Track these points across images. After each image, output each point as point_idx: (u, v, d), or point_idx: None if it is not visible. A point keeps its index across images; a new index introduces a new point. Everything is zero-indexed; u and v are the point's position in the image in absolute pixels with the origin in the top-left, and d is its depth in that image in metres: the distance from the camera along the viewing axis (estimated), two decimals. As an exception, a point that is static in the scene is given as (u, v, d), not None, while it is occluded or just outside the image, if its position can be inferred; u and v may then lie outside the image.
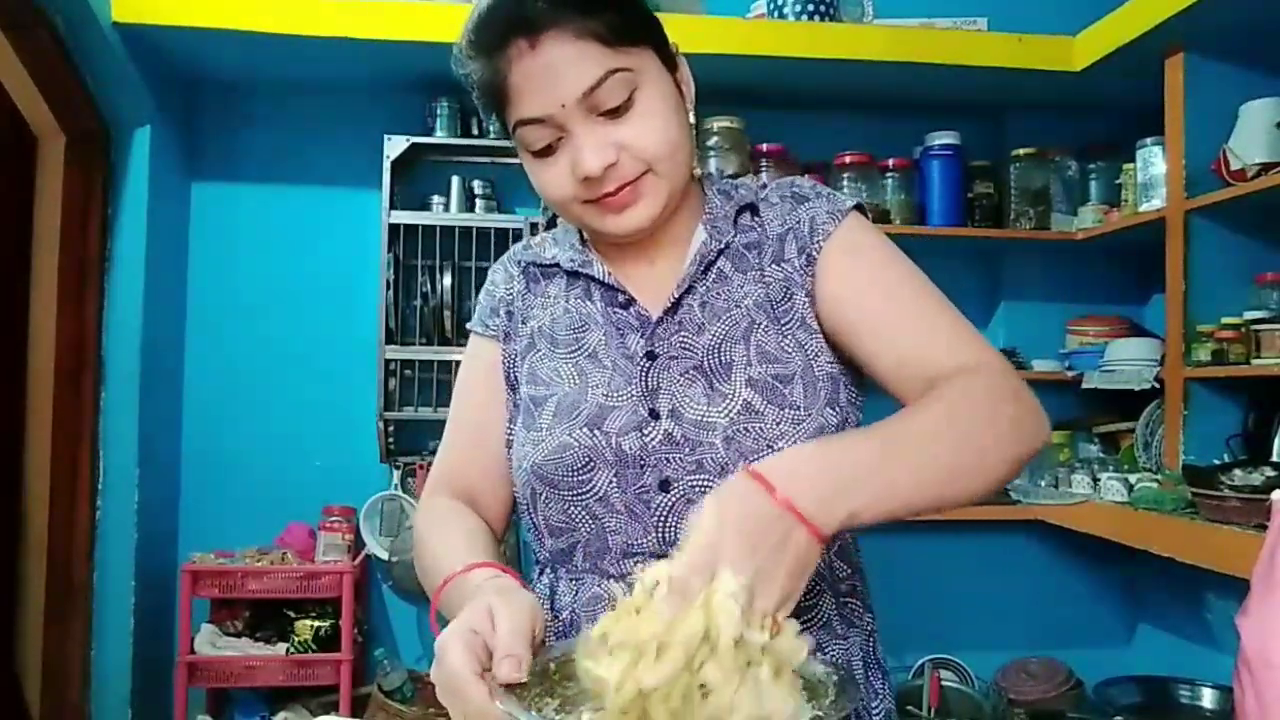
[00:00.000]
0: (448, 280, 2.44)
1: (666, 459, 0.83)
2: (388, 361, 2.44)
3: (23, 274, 2.28)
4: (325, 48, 2.24)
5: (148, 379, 2.36)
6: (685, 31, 2.24)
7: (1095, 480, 2.29)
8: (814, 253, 0.88)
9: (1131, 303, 2.73)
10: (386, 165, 2.43)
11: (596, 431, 0.85)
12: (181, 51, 2.31)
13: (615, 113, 0.81)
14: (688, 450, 0.83)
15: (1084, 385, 2.42)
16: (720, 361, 0.86)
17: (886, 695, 0.91)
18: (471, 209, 2.53)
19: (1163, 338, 2.26)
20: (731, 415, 0.82)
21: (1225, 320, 2.03)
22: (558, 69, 0.79)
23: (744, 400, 0.83)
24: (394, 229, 2.44)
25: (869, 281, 0.86)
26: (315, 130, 2.61)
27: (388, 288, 2.42)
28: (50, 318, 2.27)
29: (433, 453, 2.51)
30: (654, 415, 0.84)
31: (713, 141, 2.36)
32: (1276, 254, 2.13)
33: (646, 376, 0.86)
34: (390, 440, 2.51)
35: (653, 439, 0.84)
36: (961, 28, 2.48)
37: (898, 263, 0.87)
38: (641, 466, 0.83)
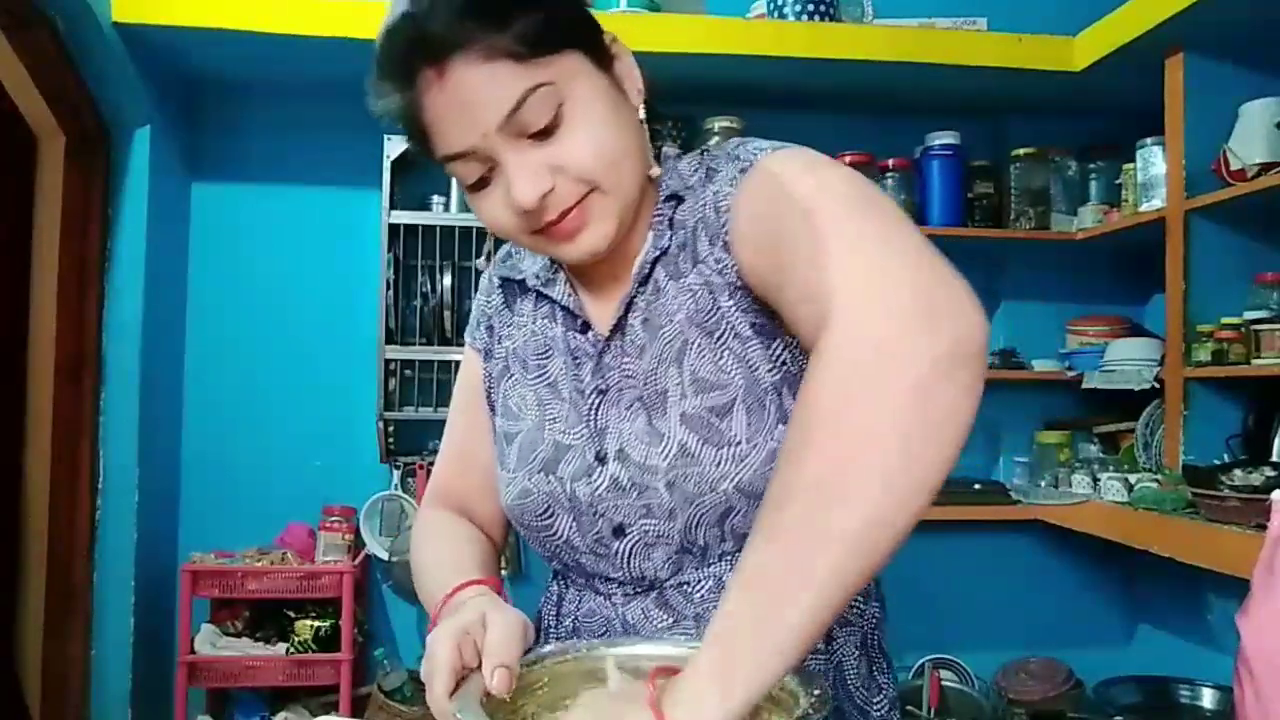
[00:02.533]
0: (448, 280, 2.44)
1: (615, 505, 0.80)
2: (388, 361, 2.44)
3: (23, 274, 2.28)
4: (325, 48, 2.24)
5: (148, 379, 2.36)
6: (685, 31, 2.24)
7: (1095, 480, 2.29)
8: (725, 236, 0.77)
9: (1131, 303, 2.73)
10: (386, 165, 2.43)
11: (551, 477, 0.83)
12: (181, 51, 2.31)
13: (544, 133, 0.72)
14: (635, 495, 0.79)
15: (1084, 385, 2.42)
16: (657, 390, 0.79)
17: (889, 688, 0.87)
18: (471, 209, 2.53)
19: (1163, 338, 2.26)
20: (670, 459, 0.77)
21: (1225, 320, 2.03)
22: (471, 97, 0.71)
23: (679, 442, 0.77)
24: (394, 229, 2.44)
25: (775, 227, 0.69)
26: (315, 130, 2.60)
27: (388, 288, 2.42)
28: (50, 317, 2.27)
29: (433, 452, 2.52)
30: (600, 460, 0.81)
31: (713, 142, 2.36)
32: (1276, 254, 2.14)
33: (595, 414, 0.82)
34: (390, 440, 2.51)
35: (599, 486, 0.80)
36: (961, 28, 2.48)
37: (805, 189, 0.67)
38: (595, 514, 0.81)
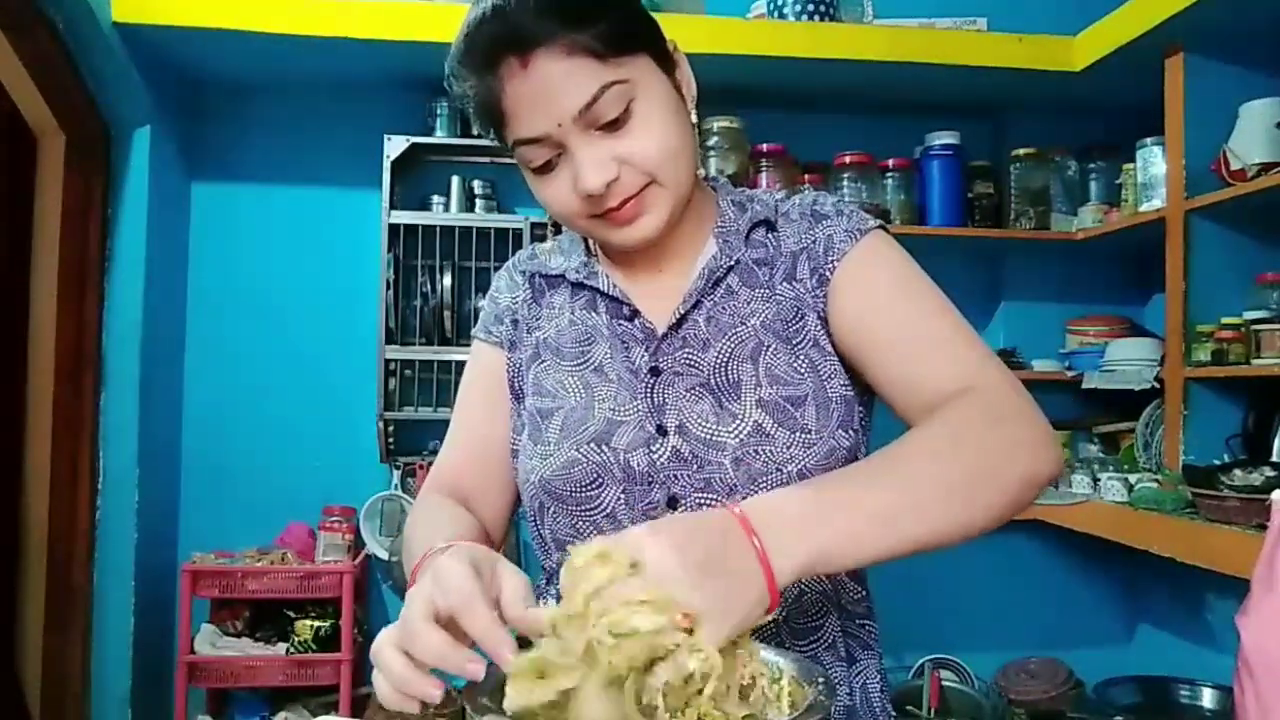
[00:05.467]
0: (448, 280, 2.44)
1: (674, 476, 0.83)
2: (388, 361, 2.44)
3: (23, 274, 2.28)
4: (325, 48, 2.24)
5: (148, 379, 2.36)
6: (685, 31, 2.24)
7: (1095, 480, 2.29)
8: (827, 273, 0.87)
9: (1131, 303, 2.73)
10: (386, 165, 2.43)
11: (604, 447, 0.84)
12: (181, 51, 2.31)
13: (613, 125, 0.79)
14: (696, 468, 0.82)
15: (1084, 385, 2.42)
16: (728, 380, 0.84)
17: (891, 715, 0.91)
18: (471, 209, 2.53)
19: (1163, 338, 2.26)
20: (741, 436, 0.81)
21: (1225, 320, 2.03)
22: (551, 88, 0.77)
23: (755, 422, 0.82)
24: (394, 229, 2.44)
25: (880, 303, 0.84)
26: (315, 130, 2.61)
27: (388, 288, 2.42)
28: (50, 317, 2.27)
29: (433, 453, 2.52)
30: (661, 431, 0.84)
31: (713, 141, 2.37)
32: (1276, 254, 2.14)
33: (652, 392, 0.85)
34: (390, 440, 2.51)
35: (660, 456, 0.83)
36: (961, 28, 2.48)
37: (913, 282, 0.85)
38: (649, 483, 0.83)
